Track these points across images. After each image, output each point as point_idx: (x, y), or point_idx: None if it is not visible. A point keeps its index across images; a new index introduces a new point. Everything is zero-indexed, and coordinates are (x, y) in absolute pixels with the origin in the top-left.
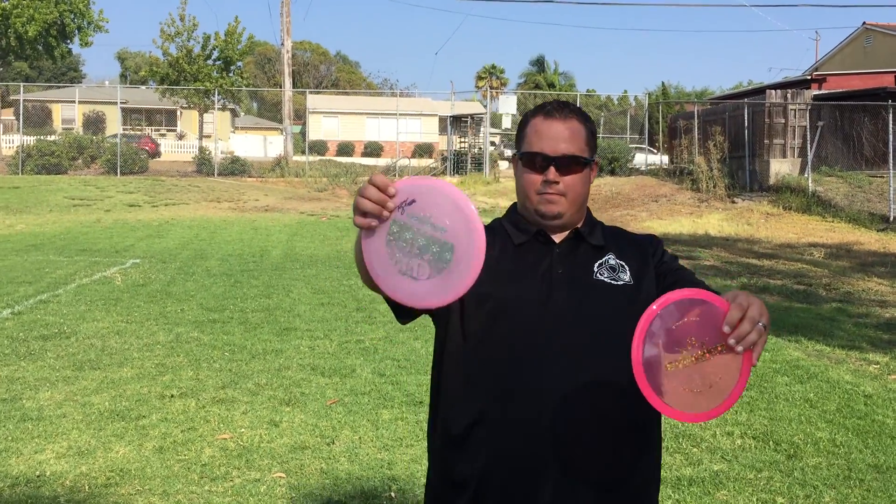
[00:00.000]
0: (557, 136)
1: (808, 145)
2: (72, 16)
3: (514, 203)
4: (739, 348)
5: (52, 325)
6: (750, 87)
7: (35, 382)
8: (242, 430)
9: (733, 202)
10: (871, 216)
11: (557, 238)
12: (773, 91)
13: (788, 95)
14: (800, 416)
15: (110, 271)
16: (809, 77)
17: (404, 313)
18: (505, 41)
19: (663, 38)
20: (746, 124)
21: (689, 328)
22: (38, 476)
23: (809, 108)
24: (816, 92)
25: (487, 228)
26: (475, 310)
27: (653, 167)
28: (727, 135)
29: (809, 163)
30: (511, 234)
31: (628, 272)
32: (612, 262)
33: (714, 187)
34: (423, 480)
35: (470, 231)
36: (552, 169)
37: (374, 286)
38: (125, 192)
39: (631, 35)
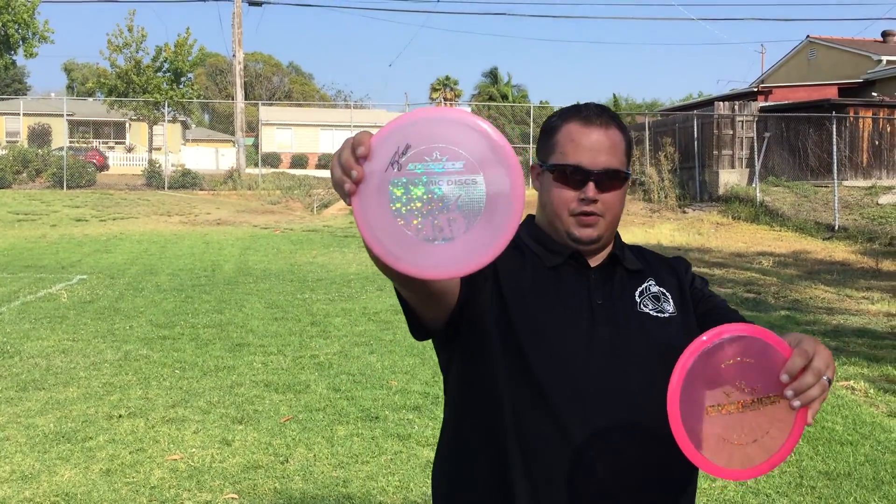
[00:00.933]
0: (599, 147)
1: (756, 156)
2: (15, 26)
3: (531, 216)
4: (796, 403)
5: None
6: (700, 99)
7: None
8: (193, 450)
9: (684, 212)
10: (817, 225)
11: (592, 262)
12: (721, 103)
13: (736, 107)
14: None
15: (56, 288)
16: (756, 89)
17: (419, 328)
18: (459, 53)
19: (615, 50)
20: (696, 135)
21: (740, 370)
22: None
23: (756, 119)
24: (763, 104)
25: (514, 247)
26: (507, 339)
27: None
28: (678, 146)
29: (757, 173)
30: (540, 254)
31: (671, 302)
32: (653, 289)
33: (665, 198)
34: (380, 499)
35: (494, 149)
36: (591, 185)
37: (399, 277)
38: (72, 207)
39: (583, 47)
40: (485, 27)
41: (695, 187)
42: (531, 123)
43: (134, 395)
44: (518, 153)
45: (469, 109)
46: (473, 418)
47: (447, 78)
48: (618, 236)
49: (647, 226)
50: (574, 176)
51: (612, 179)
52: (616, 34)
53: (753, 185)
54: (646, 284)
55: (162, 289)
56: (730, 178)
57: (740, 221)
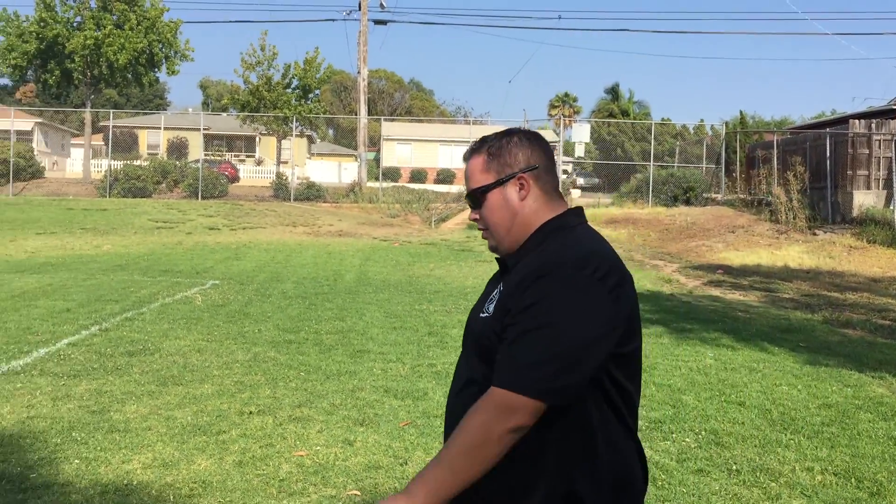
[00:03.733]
0: (466, 177)
1: (894, 177)
2: (160, 45)
3: None
4: None
5: (138, 341)
6: (832, 117)
7: (122, 396)
8: (318, 447)
9: (814, 234)
10: None
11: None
12: (856, 121)
13: (873, 125)
14: (883, 453)
15: (191, 291)
16: (895, 107)
17: None
18: (579, 69)
19: (742, 66)
20: (828, 154)
21: None
22: (125, 485)
23: (894, 138)
24: None
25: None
26: None
27: (730, 198)
28: (808, 165)
29: (895, 195)
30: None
31: (495, 303)
32: (496, 293)
33: (794, 219)
34: None
35: None
36: (470, 206)
37: None
38: (205, 216)
39: (708, 63)
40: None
41: (826, 208)
42: (652, 141)
43: (263, 393)
44: (637, 170)
45: (588, 126)
46: None
47: (566, 94)
48: (531, 239)
49: (774, 247)
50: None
51: (475, 199)
52: (743, 50)
53: (891, 208)
54: (499, 287)
55: (287, 295)
56: (865, 199)
57: (876, 245)
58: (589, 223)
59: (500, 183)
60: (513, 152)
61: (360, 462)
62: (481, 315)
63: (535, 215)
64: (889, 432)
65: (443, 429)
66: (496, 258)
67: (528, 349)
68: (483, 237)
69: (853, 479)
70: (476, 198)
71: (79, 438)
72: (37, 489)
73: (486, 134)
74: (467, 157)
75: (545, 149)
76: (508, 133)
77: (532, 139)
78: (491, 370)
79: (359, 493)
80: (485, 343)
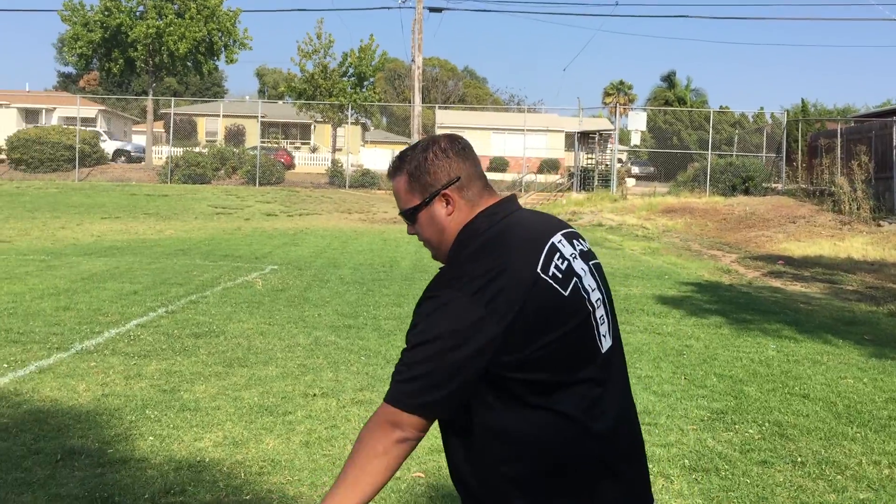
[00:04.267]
0: (396, 196)
1: None
2: (219, 34)
3: None
4: None
5: (203, 324)
6: None
7: (190, 376)
8: None
9: (879, 225)
10: None
11: None
12: None
13: None
14: None
15: (251, 276)
16: None
17: None
18: (634, 57)
19: (802, 53)
20: (894, 144)
21: None
22: (198, 461)
23: None
24: None
25: None
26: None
27: (791, 188)
28: (873, 155)
29: None
30: None
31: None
32: None
33: (858, 209)
34: None
35: None
36: (409, 225)
37: None
38: (263, 202)
39: (768, 50)
40: (664, 30)
41: (892, 199)
42: (710, 129)
43: (325, 377)
44: (694, 159)
45: (644, 114)
46: None
47: (621, 82)
48: (451, 251)
49: (837, 238)
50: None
51: (405, 220)
52: (805, 36)
53: None
54: None
55: (345, 281)
56: None
57: None
58: (518, 207)
59: (425, 204)
60: (431, 171)
61: (423, 445)
62: None
63: (450, 226)
64: None
65: None
66: None
67: (403, 366)
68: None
69: None
70: (408, 217)
71: (152, 416)
72: (114, 464)
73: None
74: (391, 176)
75: (466, 154)
76: (424, 148)
77: (450, 148)
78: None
79: (423, 475)
80: None
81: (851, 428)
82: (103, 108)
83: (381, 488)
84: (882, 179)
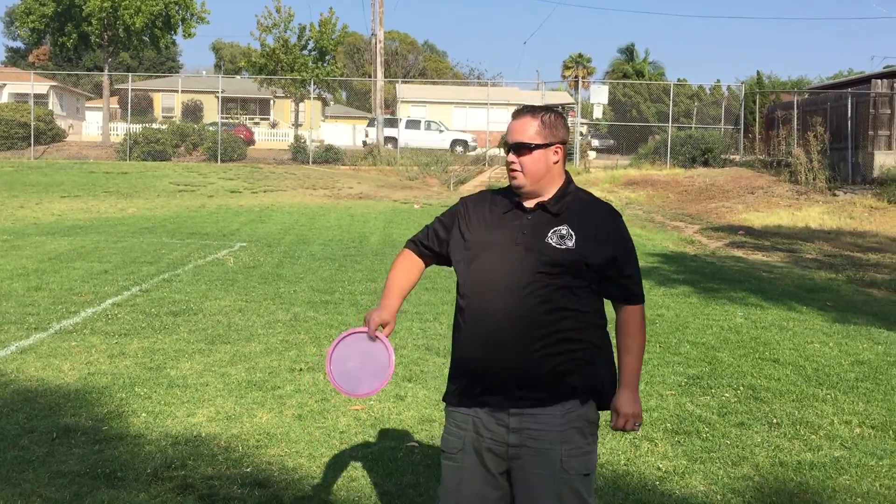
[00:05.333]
0: (513, 130)
1: None
2: (176, 8)
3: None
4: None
5: (179, 301)
6: (852, 77)
7: (174, 353)
8: (371, 402)
9: (834, 195)
10: None
11: (529, 205)
12: (878, 80)
13: (895, 85)
14: None
15: (221, 253)
16: None
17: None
18: (593, 30)
19: (758, 25)
20: (849, 115)
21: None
22: (194, 436)
23: None
24: None
25: (485, 199)
26: (460, 245)
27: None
28: (828, 126)
29: None
30: (501, 204)
31: (574, 239)
32: (562, 231)
33: (814, 179)
34: None
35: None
36: (511, 153)
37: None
38: (226, 179)
39: (724, 23)
40: (621, 3)
41: (846, 169)
42: (670, 103)
43: (309, 351)
44: (654, 132)
45: (607, 87)
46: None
47: (580, 55)
48: (561, 188)
49: (794, 208)
50: (505, 147)
51: (521, 148)
52: (758, 9)
53: None
54: (559, 227)
55: (316, 257)
56: (886, 159)
57: None
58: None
59: (546, 146)
60: (558, 127)
61: (414, 416)
62: (559, 247)
63: (559, 175)
64: None
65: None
66: (515, 204)
67: (637, 275)
68: (511, 175)
69: (891, 432)
70: (523, 148)
71: (142, 393)
72: (111, 440)
73: (534, 103)
74: (520, 116)
75: (568, 129)
76: (555, 110)
77: (566, 120)
78: (563, 292)
79: (417, 444)
80: (567, 269)
81: (822, 390)
82: (55, 83)
83: None
84: (837, 150)
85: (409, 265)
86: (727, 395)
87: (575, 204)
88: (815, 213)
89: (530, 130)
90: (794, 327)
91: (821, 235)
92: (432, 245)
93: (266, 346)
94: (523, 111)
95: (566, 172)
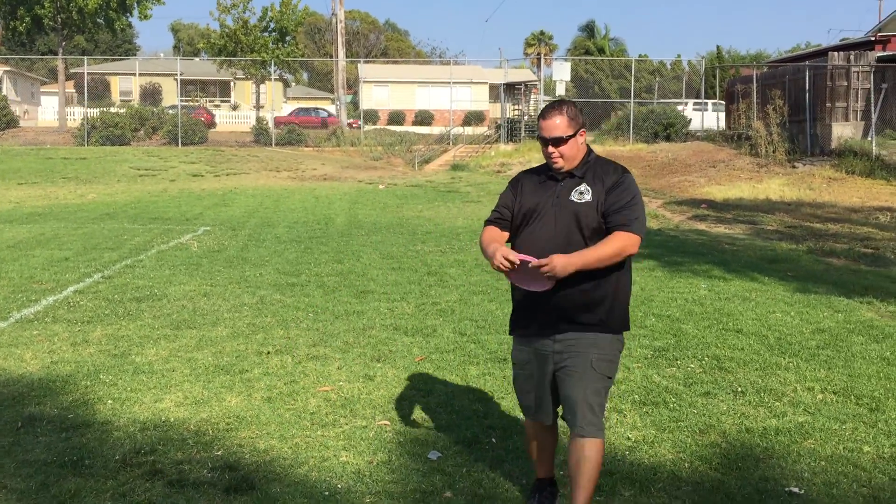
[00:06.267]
0: (548, 128)
1: (872, 108)
2: None
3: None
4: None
5: (143, 287)
6: (809, 50)
7: (139, 340)
8: (341, 383)
9: (794, 167)
10: None
11: (561, 177)
12: (835, 53)
13: (851, 57)
14: (878, 372)
15: (184, 238)
16: (873, 38)
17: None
18: (554, 6)
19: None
20: (807, 87)
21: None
22: (163, 421)
23: (873, 70)
24: (880, 53)
25: (534, 172)
26: (519, 212)
27: (709, 131)
28: (787, 99)
29: (873, 126)
30: (544, 174)
31: (591, 193)
32: (581, 187)
33: (774, 152)
34: (520, 429)
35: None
36: (550, 146)
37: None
38: (187, 163)
39: None
40: None
41: (805, 141)
42: (632, 79)
43: (277, 335)
44: (616, 108)
45: (569, 64)
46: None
47: (542, 33)
48: (584, 158)
49: (755, 181)
50: (543, 142)
51: (560, 141)
52: None
53: (869, 139)
54: (581, 185)
55: (282, 240)
56: (843, 131)
57: (854, 176)
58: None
59: (574, 135)
60: (578, 116)
61: (384, 395)
62: (579, 200)
63: (584, 149)
64: (881, 353)
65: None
66: (550, 175)
67: (637, 212)
68: (553, 161)
69: (852, 397)
70: (560, 141)
71: (107, 381)
72: (78, 428)
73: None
74: (549, 116)
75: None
76: (573, 103)
77: (580, 109)
78: (591, 239)
79: (388, 422)
80: (590, 220)
81: (784, 358)
82: (8, 68)
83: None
84: (796, 122)
85: (494, 232)
86: (692, 365)
87: (593, 168)
88: (776, 185)
89: (561, 125)
90: (756, 298)
91: (781, 207)
92: (506, 216)
93: (233, 330)
94: (551, 111)
95: (587, 146)
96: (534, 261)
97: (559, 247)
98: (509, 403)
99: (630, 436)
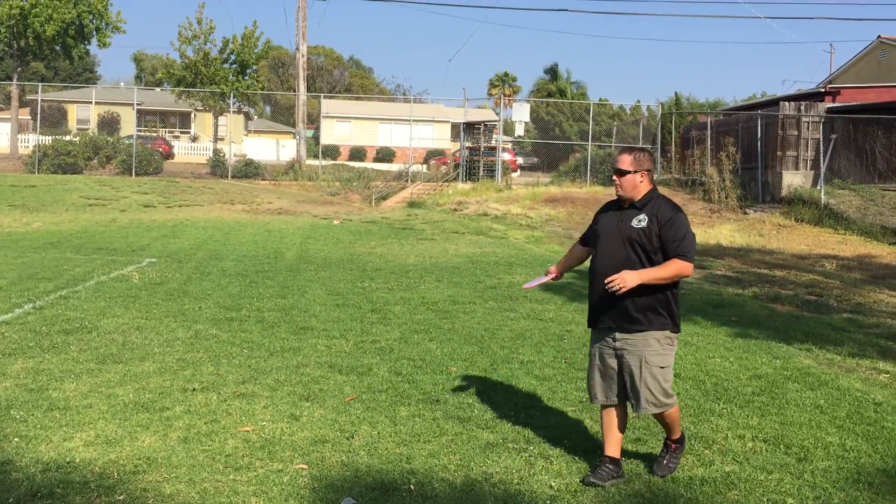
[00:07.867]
0: (618, 162)
1: (821, 157)
2: (90, 16)
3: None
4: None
5: (74, 319)
6: (763, 99)
7: (60, 374)
8: (264, 423)
9: (745, 213)
10: (883, 229)
11: (627, 206)
12: (786, 103)
13: (802, 107)
14: (810, 421)
15: (127, 269)
16: (823, 90)
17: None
18: (518, 49)
19: (677, 48)
20: (759, 136)
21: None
22: (67, 462)
23: (823, 120)
24: (830, 104)
25: (612, 203)
26: (595, 232)
27: (664, 177)
28: (740, 146)
29: (822, 175)
30: (612, 206)
31: (646, 222)
32: (641, 216)
33: (726, 198)
34: (441, 475)
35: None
36: (615, 175)
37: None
38: (140, 193)
39: (644, 45)
40: (545, 23)
41: (757, 188)
42: (590, 121)
43: (206, 370)
44: (575, 150)
45: (528, 105)
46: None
47: (506, 74)
48: (646, 194)
49: (707, 226)
50: (614, 172)
51: (620, 172)
52: (679, 32)
53: (818, 188)
54: (640, 215)
55: (227, 273)
56: (793, 179)
57: (803, 224)
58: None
59: (635, 172)
60: (643, 161)
61: (307, 437)
62: (637, 227)
63: (646, 187)
64: (815, 401)
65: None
66: (619, 205)
67: (689, 244)
68: (616, 188)
69: (782, 446)
70: (622, 173)
71: (17, 417)
72: None
73: (631, 147)
74: (622, 153)
75: (654, 162)
76: (646, 151)
77: (650, 156)
78: (643, 255)
79: (306, 466)
80: (643, 241)
81: (718, 404)
82: None
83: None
84: (748, 169)
85: (576, 249)
86: (628, 411)
87: (653, 203)
88: (727, 231)
89: (626, 162)
90: (697, 342)
91: (731, 252)
92: (589, 236)
93: (160, 366)
94: (623, 151)
95: (653, 184)
96: (534, 284)
97: (620, 260)
98: (434, 447)
99: (553, 484)
